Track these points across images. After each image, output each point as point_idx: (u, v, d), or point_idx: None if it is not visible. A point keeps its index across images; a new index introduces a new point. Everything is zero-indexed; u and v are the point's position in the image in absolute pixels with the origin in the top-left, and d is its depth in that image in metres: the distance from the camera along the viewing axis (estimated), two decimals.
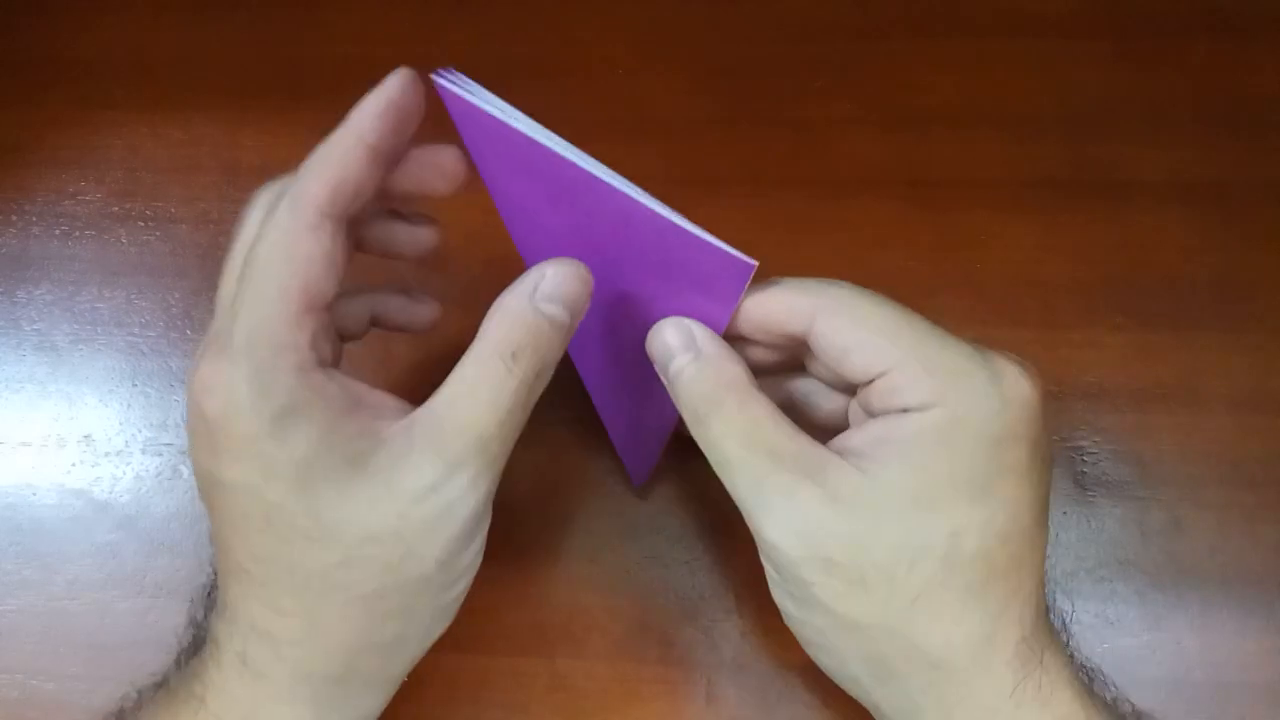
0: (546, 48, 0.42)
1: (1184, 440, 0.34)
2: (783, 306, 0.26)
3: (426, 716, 0.32)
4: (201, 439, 0.24)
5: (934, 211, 0.38)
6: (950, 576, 0.24)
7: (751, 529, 0.26)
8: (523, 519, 0.34)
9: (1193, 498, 0.34)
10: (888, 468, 0.24)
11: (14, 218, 0.40)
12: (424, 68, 0.41)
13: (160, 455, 0.36)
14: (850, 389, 0.27)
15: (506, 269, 0.38)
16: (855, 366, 0.25)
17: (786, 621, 0.27)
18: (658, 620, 0.33)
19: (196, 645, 0.27)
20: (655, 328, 0.27)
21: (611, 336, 0.29)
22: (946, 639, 0.24)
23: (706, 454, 0.26)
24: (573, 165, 0.24)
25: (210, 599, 0.27)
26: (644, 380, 0.28)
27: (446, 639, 0.31)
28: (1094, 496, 0.34)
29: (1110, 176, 0.38)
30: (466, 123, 0.26)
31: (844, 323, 0.25)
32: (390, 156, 0.26)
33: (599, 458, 0.35)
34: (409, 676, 0.32)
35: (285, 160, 0.40)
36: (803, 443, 0.25)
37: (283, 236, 0.24)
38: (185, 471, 0.36)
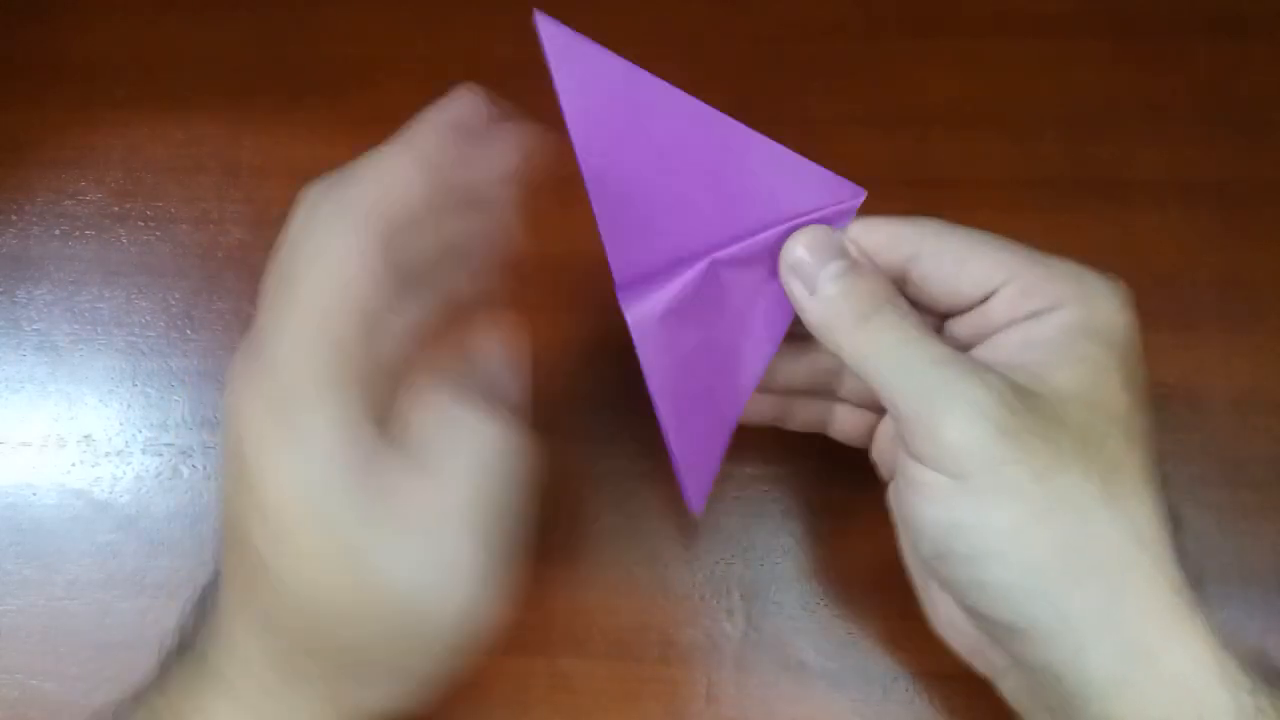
0: None
1: (1184, 440, 0.34)
2: (886, 233, 0.27)
3: (426, 716, 0.32)
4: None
5: (934, 211, 0.38)
6: (1132, 452, 0.24)
7: (929, 422, 0.24)
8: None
9: (1193, 497, 0.34)
10: (1051, 361, 0.25)
11: (14, 218, 0.40)
12: (424, 68, 0.41)
13: (160, 455, 0.36)
14: (941, 319, 0.28)
15: (506, 269, 0.38)
16: (974, 279, 0.26)
17: (949, 542, 0.24)
18: (658, 620, 0.33)
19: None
20: (797, 235, 0.27)
21: (700, 312, 0.28)
22: (1138, 516, 0.24)
23: (857, 356, 0.25)
24: (680, 95, 0.25)
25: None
26: (730, 345, 0.28)
27: None
28: None
29: (1110, 176, 0.38)
30: (566, 63, 0.25)
31: (955, 242, 0.27)
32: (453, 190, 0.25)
33: (600, 457, 0.35)
34: None
35: (285, 160, 0.41)
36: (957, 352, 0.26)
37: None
38: (185, 471, 0.36)
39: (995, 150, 0.39)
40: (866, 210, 0.38)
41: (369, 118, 0.40)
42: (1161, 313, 0.36)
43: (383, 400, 0.24)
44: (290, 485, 0.22)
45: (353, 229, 0.23)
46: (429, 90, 0.41)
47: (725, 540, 0.34)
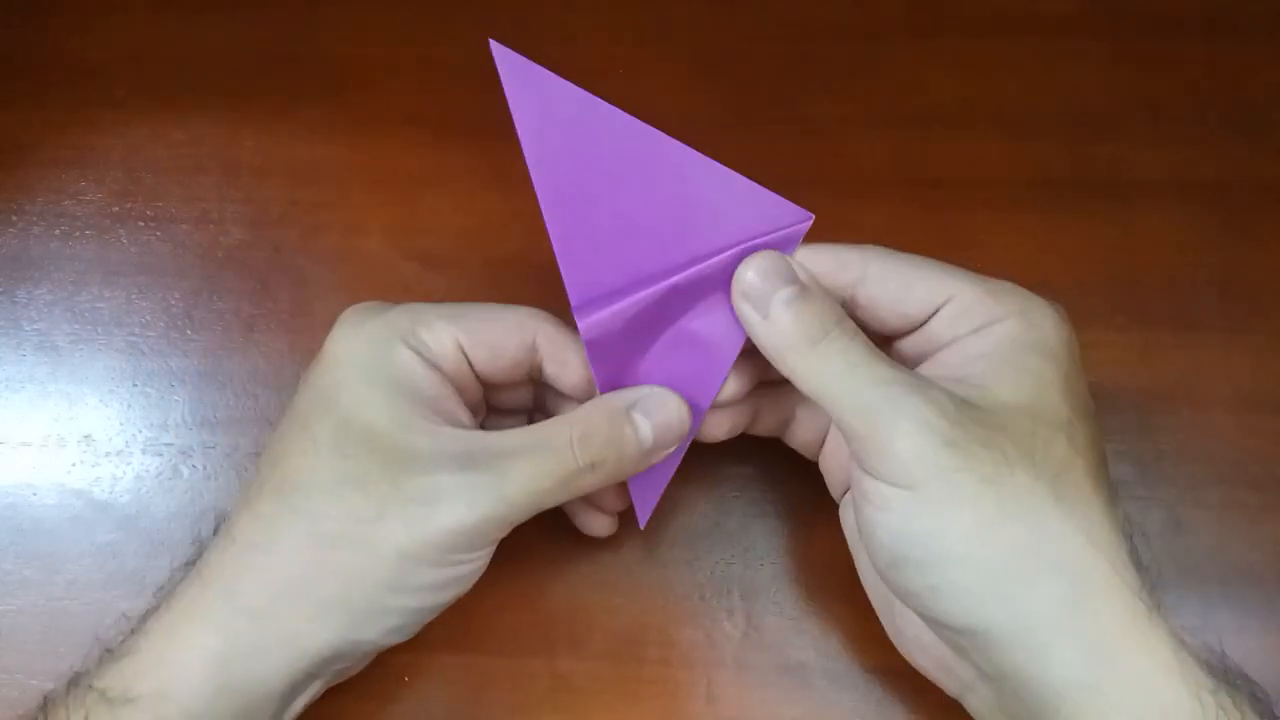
0: (547, 48, 0.41)
1: (1184, 440, 0.34)
2: (832, 259, 0.28)
3: (427, 716, 0.32)
4: None
5: (934, 211, 0.38)
6: (1076, 458, 0.25)
7: (879, 438, 0.25)
8: None
9: (1193, 498, 0.34)
10: (992, 373, 0.26)
11: (14, 218, 0.40)
12: (424, 68, 0.41)
13: (160, 455, 0.36)
14: (888, 339, 0.29)
15: (506, 269, 0.38)
16: (919, 299, 0.27)
17: (904, 549, 0.25)
18: (658, 620, 0.33)
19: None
20: (750, 260, 0.27)
21: (654, 333, 0.29)
22: (1089, 519, 0.24)
23: (809, 378, 0.26)
24: (632, 122, 0.26)
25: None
26: (683, 367, 0.29)
27: (446, 639, 0.31)
28: None
29: (1110, 176, 0.38)
30: (521, 89, 0.26)
31: (899, 265, 0.28)
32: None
33: None
34: (409, 677, 0.32)
35: (285, 160, 0.41)
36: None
37: None
38: (185, 471, 0.36)
39: (995, 150, 0.39)
40: (864, 213, 0.38)
41: (369, 118, 0.41)
42: (1161, 313, 0.36)
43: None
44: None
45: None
46: (429, 90, 0.42)
47: (725, 540, 0.34)
